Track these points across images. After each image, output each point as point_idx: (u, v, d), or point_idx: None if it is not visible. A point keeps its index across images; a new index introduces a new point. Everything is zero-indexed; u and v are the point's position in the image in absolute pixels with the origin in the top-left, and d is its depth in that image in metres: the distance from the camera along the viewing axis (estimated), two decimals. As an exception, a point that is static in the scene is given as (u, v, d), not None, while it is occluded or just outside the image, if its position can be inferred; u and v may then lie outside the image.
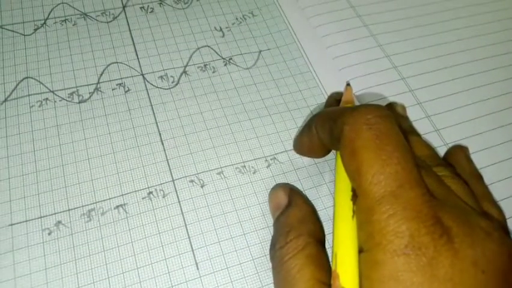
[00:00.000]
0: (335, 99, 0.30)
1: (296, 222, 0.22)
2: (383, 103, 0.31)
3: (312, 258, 0.20)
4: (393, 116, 0.21)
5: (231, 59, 0.34)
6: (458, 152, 0.28)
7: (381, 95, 0.32)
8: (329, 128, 0.22)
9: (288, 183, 0.27)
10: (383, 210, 0.18)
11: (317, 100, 0.32)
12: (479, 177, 0.26)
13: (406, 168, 0.18)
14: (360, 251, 0.19)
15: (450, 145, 0.30)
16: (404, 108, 0.30)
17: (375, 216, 0.18)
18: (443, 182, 0.21)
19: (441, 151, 0.29)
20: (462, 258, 0.17)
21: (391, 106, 0.30)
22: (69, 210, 0.25)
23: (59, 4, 0.35)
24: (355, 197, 0.20)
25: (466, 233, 0.18)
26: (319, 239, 0.22)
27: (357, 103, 0.29)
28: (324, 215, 0.26)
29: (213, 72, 0.33)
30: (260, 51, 0.34)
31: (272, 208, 0.25)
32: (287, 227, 0.22)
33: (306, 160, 0.29)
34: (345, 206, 0.21)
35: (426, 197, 0.18)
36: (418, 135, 0.29)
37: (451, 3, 0.39)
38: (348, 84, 0.30)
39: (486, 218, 0.19)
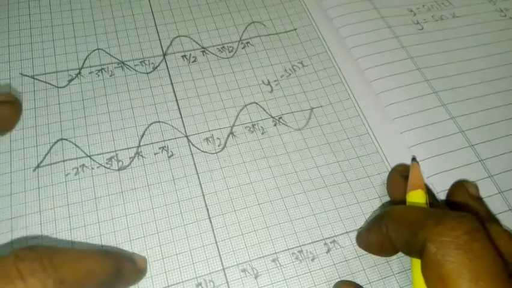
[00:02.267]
0: (400, 174, 0.27)
1: None
2: (451, 174, 0.28)
3: None
4: (483, 229, 0.19)
5: (280, 118, 0.31)
6: None
7: (450, 167, 0.29)
8: (406, 238, 0.20)
9: (353, 282, 0.24)
10: None
11: (378, 169, 0.29)
12: None
13: None
14: None
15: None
16: (477, 188, 0.27)
17: None
18: None
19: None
20: None
21: (462, 186, 0.26)
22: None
23: (94, 50, 0.32)
24: None
25: None
26: None
27: (427, 183, 0.26)
28: (393, 314, 0.24)
29: (262, 133, 0.30)
30: (312, 109, 0.31)
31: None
32: None
33: (370, 245, 0.26)
34: None
35: None
36: (497, 222, 0.25)
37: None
38: (414, 160, 0.26)
39: None
